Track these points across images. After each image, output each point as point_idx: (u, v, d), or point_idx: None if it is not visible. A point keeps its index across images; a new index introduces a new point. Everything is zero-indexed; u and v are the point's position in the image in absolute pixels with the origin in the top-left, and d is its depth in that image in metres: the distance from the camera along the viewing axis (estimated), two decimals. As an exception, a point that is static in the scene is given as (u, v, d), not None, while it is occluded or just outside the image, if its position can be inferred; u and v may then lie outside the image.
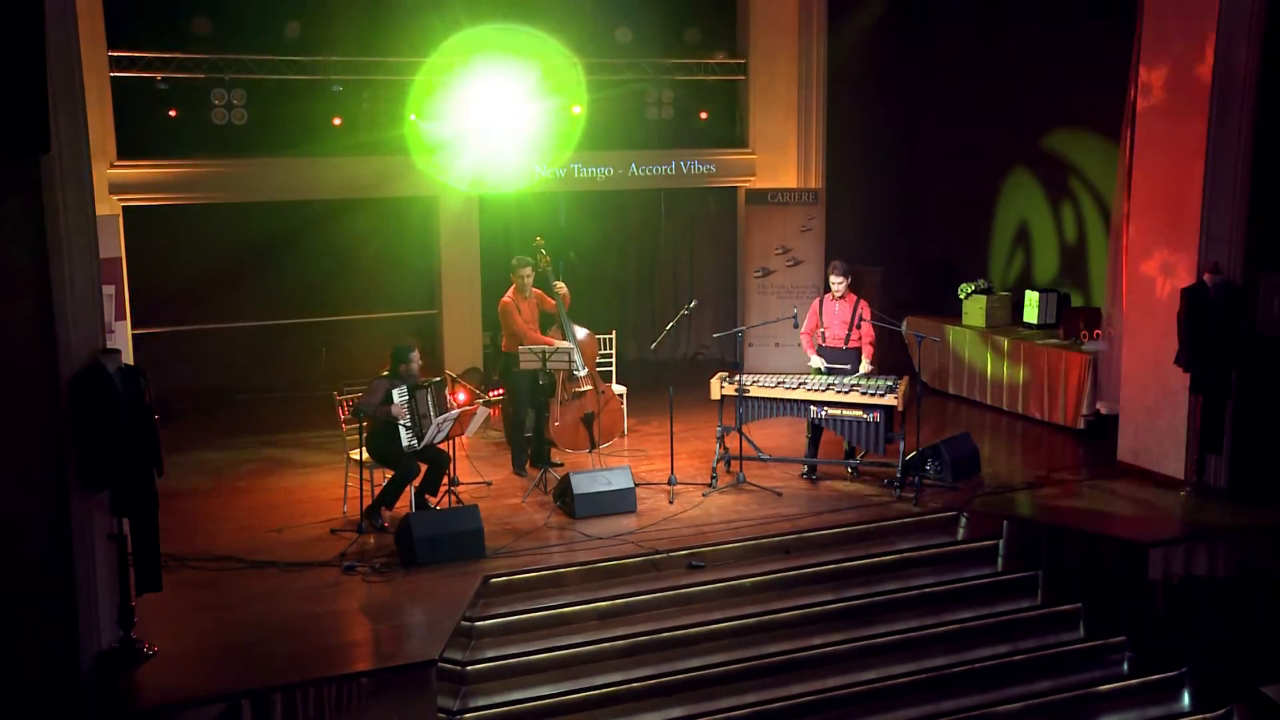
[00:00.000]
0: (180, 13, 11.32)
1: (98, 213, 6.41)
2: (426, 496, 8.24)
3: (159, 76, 11.13)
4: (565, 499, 8.48)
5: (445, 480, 8.32)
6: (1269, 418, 8.60)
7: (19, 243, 5.60)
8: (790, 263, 12.71)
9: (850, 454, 9.30)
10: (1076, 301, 11.61)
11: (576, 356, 9.29)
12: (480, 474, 9.25)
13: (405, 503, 8.22)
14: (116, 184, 10.98)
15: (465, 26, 11.63)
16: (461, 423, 8.21)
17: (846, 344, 9.23)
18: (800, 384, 9.03)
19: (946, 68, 13.35)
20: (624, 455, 9.86)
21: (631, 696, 6.75)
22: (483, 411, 8.54)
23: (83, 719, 5.90)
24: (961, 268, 12.80)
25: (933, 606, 7.70)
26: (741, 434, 9.09)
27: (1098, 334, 10.55)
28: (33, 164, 5.54)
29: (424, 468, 8.21)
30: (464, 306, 12.54)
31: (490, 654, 6.89)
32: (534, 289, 9.53)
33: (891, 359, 11.95)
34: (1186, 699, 7.26)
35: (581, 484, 8.41)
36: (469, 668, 6.71)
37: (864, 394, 8.80)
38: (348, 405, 8.59)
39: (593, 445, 9.65)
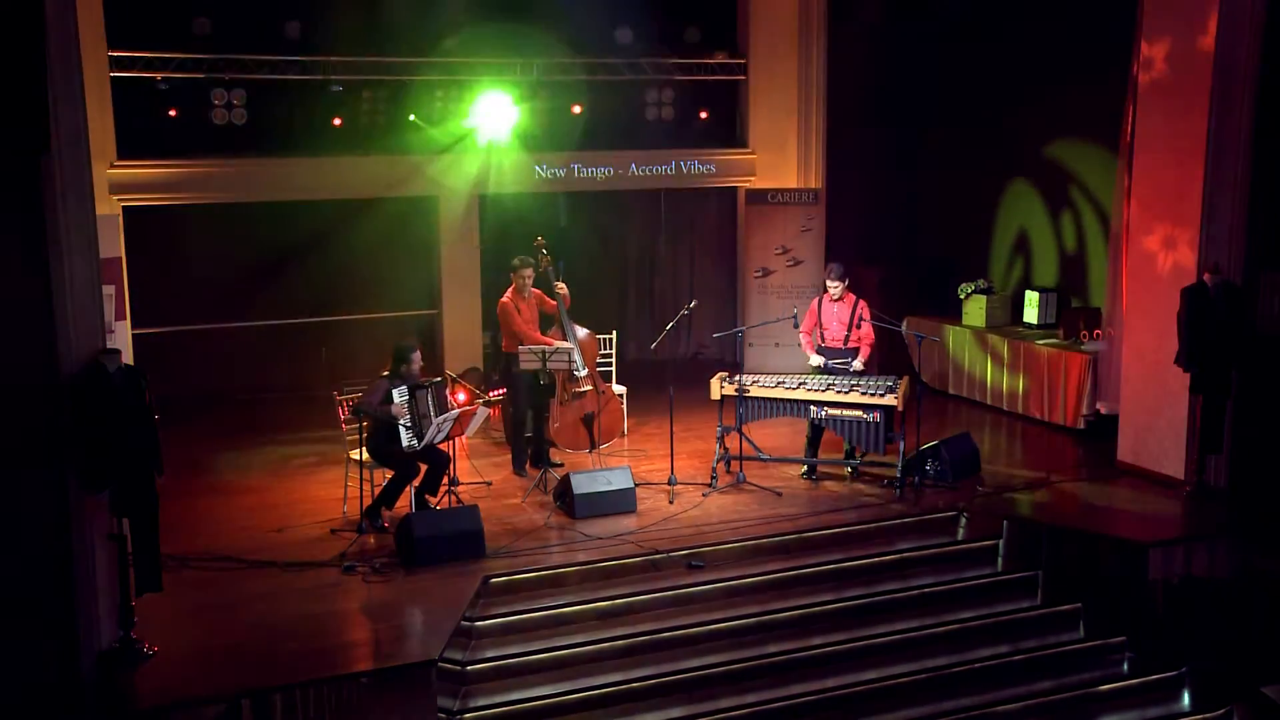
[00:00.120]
0: (180, 13, 11.31)
1: (98, 213, 6.41)
2: (426, 496, 8.24)
3: (159, 76, 11.12)
4: (565, 499, 8.48)
5: (445, 480, 8.32)
6: (1269, 418, 8.60)
7: (19, 243, 5.60)
8: (790, 263, 12.71)
9: (850, 454, 9.30)
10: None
11: (577, 356, 9.29)
12: (480, 474, 9.26)
13: (405, 503, 8.22)
14: (116, 184, 10.99)
15: (465, 26, 11.64)
16: (461, 423, 8.21)
17: (846, 344, 9.24)
18: (800, 384, 9.03)
19: (947, 68, 13.34)
20: (624, 455, 9.86)
21: (631, 696, 6.75)
22: (483, 411, 8.54)
23: (83, 719, 5.90)
24: (962, 268, 12.80)
25: (933, 606, 7.70)
26: (741, 434, 9.09)
27: (1098, 334, 10.55)
28: (33, 164, 5.54)
29: (424, 468, 8.21)
30: (464, 306, 12.54)
31: (490, 654, 6.89)
32: (534, 289, 9.53)
33: (891, 359, 11.95)
34: (1186, 699, 7.26)
35: (581, 484, 8.41)
36: (469, 668, 6.71)
37: (864, 394, 8.81)
38: (348, 405, 8.59)
39: (593, 445, 9.65)
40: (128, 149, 11.10)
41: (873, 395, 8.78)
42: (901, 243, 13.80)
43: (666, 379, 9.28)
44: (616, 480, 8.52)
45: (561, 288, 9.61)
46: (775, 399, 9.05)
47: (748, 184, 13.24)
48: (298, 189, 11.77)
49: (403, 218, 12.58)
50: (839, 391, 8.88)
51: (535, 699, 6.64)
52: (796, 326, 9.40)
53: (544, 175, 12.48)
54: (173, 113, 11.40)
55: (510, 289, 9.50)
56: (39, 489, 5.76)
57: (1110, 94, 9.98)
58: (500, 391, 10.00)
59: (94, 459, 5.92)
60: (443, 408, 8.33)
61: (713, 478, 9.03)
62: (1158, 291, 8.90)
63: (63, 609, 5.84)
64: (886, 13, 13.42)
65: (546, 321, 9.70)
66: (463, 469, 9.10)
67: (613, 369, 10.81)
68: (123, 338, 9.94)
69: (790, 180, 13.07)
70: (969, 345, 11.83)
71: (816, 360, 9.26)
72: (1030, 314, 11.59)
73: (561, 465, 9.40)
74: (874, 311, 9.40)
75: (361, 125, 11.98)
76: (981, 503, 8.61)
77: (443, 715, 6.38)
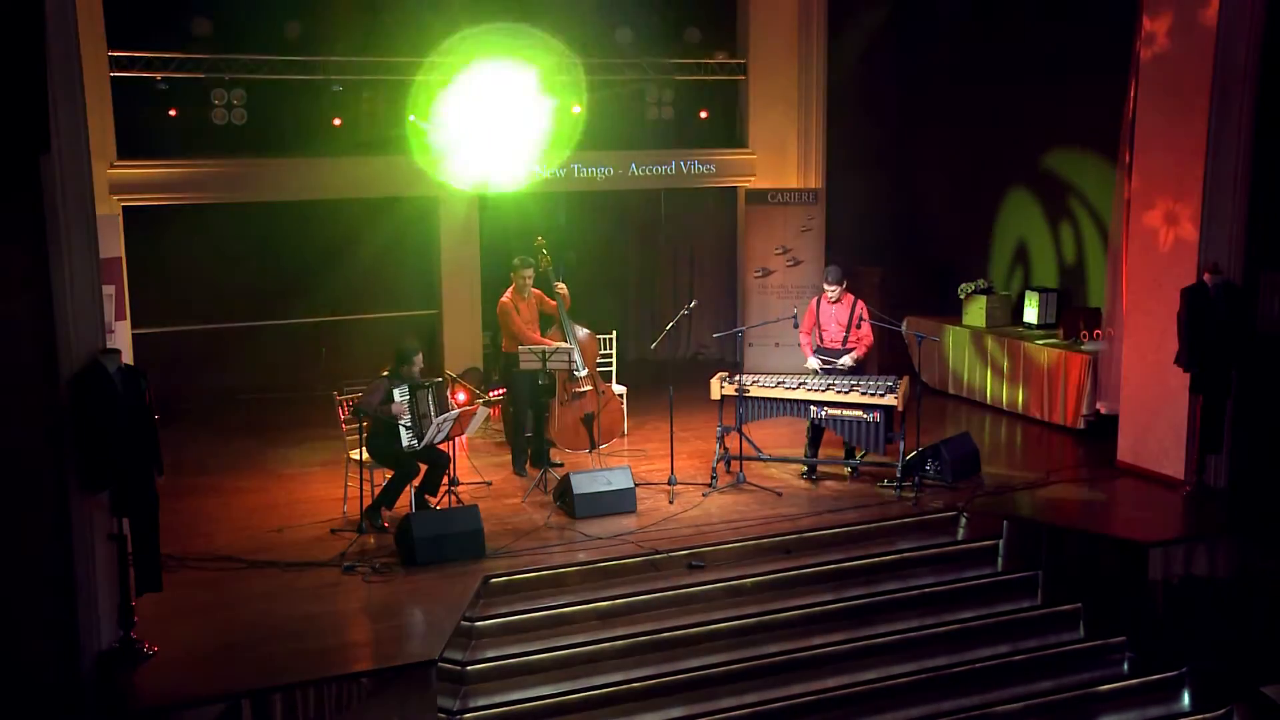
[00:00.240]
0: (180, 13, 11.32)
1: (98, 213, 6.41)
2: (426, 496, 8.24)
3: (159, 76, 11.12)
4: (565, 499, 8.48)
5: (445, 480, 8.32)
6: (1269, 418, 8.60)
7: (19, 243, 5.60)
8: (790, 263, 12.71)
9: (850, 454, 9.30)
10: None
11: (577, 357, 9.30)
12: (480, 474, 9.26)
13: (405, 503, 8.21)
14: (116, 184, 10.98)
15: (465, 26, 11.63)
16: (461, 423, 8.21)
17: (844, 345, 9.22)
18: (800, 384, 9.03)
19: (947, 68, 13.33)
20: (624, 455, 9.85)
21: (631, 696, 6.75)
22: (483, 411, 8.54)
23: (83, 719, 5.90)
24: (962, 268, 12.79)
25: (933, 606, 7.70)
26: (741, 434, 9.09)
27: (1098, 334, 10.55)
28: (33, 164, 5.54)
29: (424, 468, 8.21)
30: (464, 306, 12.54)
31: (490, 654, 6.88)
32: (534, 289, 9.53)
33: (891, 359, 11.96)
34: (1186, 699, 7.26)
35: (581, 484, 8.41)
36: (469, 668, 6.71)
37: (864, 394, 8.80)
38: (348, 405, 8.59)
39: (593, 445, 9.65)
40: (128, 149, 11.09)
41: (873, 395, 8.78)
42: (902, 243, 13.80)
43: (666, 379, 9.28)
44: (616, 480, 8.52)
45: (561, 288, 9.61)
46: (775, 399, 9.05)
47: (748, 184, 13.24)
48: (297, 189, 11.78)
49: (403, 218, 12.58)
50: (839, 391, 8.87)
51: (535, 699, 6.63)
52: (796, 327, 9.39)
53: (544, 175, 12.47)
54: (173, 113, 11.42)
55: (510, 289, 9.50)
56: (39, 489, 5.76)
57: (1110, 96, 9.94)
58: (500, 391, 10.00)
59: (94, 459, 5.91)
60: (443, 408, 8.33)
61: (713, 478, 9.03)
62: (1157, 271, 8.82)
63: (63, 609, 5.84)
64: (886, 13, 13.41)
65: (546, 321, 9.70)
66: (463, 469, 9.10)
67: (613, 369, 10.81)
68: (123, 338, 9.94)
69: (790, 180, 13.07)
70: (969, 345, 11.82)
71: (814, 363, 9.24)
72: (1030, 314, 11.58)
73: (561, 465, 9.40)
74: (873, 311, 9.40)
75: (361, 125, 11.98)
76: (981, 503, 8.60)
77: (443, 715, 6.38)
